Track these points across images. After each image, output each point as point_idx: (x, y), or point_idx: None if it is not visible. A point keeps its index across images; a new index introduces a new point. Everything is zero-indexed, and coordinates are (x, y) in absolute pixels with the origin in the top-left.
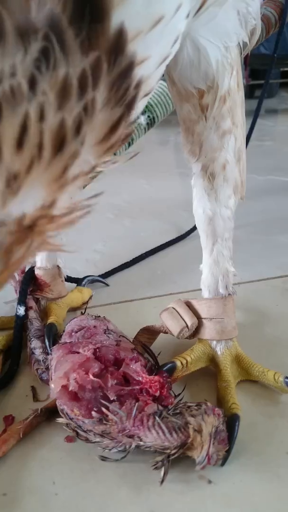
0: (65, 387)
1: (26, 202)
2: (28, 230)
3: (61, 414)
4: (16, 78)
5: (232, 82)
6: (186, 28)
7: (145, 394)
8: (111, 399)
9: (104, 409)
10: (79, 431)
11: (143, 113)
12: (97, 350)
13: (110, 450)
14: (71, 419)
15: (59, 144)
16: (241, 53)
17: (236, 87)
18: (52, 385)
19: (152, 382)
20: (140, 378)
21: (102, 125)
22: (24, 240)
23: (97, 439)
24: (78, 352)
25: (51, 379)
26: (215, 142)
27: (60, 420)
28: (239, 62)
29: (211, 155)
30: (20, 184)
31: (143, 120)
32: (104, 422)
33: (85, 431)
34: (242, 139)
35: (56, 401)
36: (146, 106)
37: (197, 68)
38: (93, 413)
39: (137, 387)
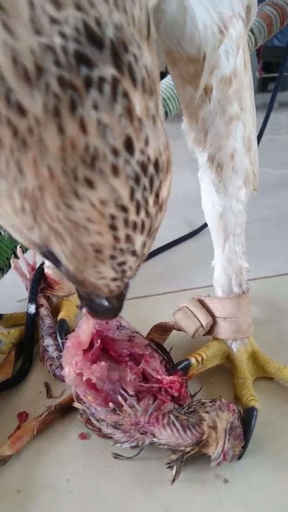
0: (81, 375)
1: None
2: None
3: (75, 399)
4: None
5: (238, 61)
6: None
7: (164, 393)
8: (130, 394)
9: (120, 399)
10: (92, 419)
11: None
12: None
13: (122, 444)
14: (84, 403)
15: None
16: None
17: (243, 68)
18: (66, 369)
19: (172, 382)
20: (159, 377)
21: None
22: None
23: (110, 431)
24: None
25: (64, 364)
26: (222, 128)
27: (75, 405)
28: (246, 40)
29: (218, 143)
30: None
31: None
32: (118, 412)
33: (98, 420)
34: (252, 127)
35: (70, 399)
36: None
37: (182, 28)
38: (110, 403)
39: (156, 385)
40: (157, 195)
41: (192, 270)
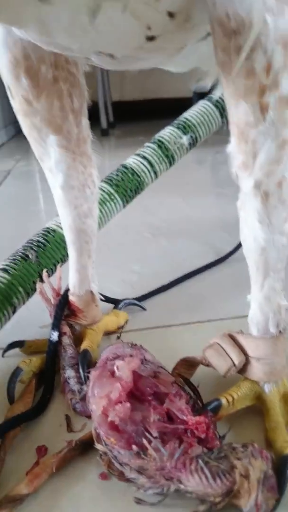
0: (106, 414)
1: None
2: None
3: (95, 440)
4: None
5: None
6: None
7: (190, 435)
8: (154, 436)
9: (145, 442)
10: (114, 462)
11: (186, 133)
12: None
13: (145, 491)
14: (106, 445)
15: None
16: None
17: None
18: (94, 407)
19: (198, 423)
20: (185, 418)
21: None
22: None
23: (133, 475)
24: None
25: (89, 400)
26: (273, 152)
27: (97, 446)
28: None
29: (267, 168)
30: None
31: (185, 140)
32: (142, 456)
33: (120, 464)
34: None
35: (91, 434)
36: (189, 126)
37: None
38: (133, 446)
39: (182, 426)
40: None
41: (218, 300)
